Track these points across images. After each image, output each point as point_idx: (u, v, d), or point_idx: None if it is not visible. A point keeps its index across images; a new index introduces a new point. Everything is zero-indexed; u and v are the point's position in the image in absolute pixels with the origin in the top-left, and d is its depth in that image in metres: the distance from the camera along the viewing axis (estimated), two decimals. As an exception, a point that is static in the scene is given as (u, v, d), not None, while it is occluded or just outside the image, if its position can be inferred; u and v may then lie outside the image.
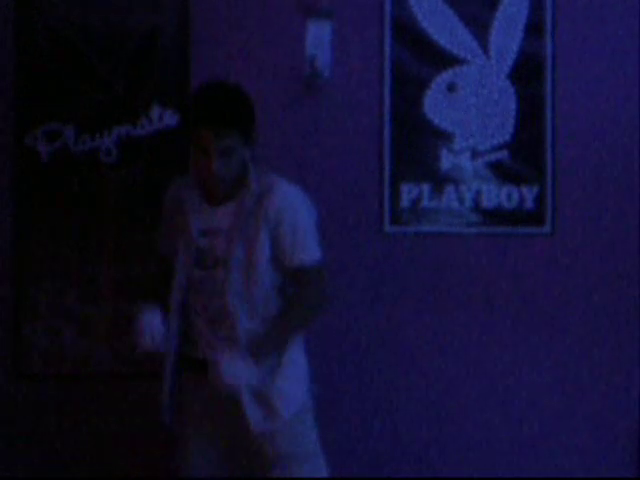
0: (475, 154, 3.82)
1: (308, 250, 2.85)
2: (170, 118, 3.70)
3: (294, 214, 2.83)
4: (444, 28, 3.78)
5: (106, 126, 3.69)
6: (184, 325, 2.89)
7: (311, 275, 2.85)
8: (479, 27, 3.79)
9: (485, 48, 3.80)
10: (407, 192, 3.79)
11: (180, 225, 2.90)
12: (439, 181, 3.81)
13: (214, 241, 2.83)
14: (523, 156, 3.83)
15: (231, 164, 2.77)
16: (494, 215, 3.83)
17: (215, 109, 2.75)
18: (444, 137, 3.81)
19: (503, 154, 3.83)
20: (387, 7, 3.77)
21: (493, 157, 3.83)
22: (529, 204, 3.83)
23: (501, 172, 3.82)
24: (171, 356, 2.90)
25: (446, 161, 3.81)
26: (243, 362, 2.70)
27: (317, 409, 2.96)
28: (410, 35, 3.77)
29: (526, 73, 3.82)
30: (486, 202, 3.82)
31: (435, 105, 3.80)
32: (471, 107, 3.81)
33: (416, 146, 3.80)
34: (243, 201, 2.81)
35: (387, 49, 3.77)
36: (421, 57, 3.78)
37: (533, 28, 3.81)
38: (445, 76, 3.80)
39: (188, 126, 2.88)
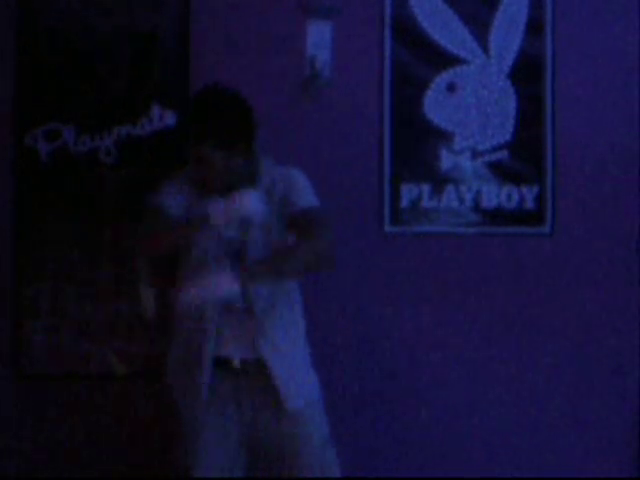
0: (475, 154, 3.82)
1: (313, 198, 2.95)
2: (170, 118, 3.70)
3: (298, 178, 2.97)
4: (444, 28, 3.78)
5: (106, 126, 3.69)
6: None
7: (319, 218, 2.91)
8: (479, 27, 3.79)
9: (485, 48, 3.80)
10: (407, 192, 3.80)
11: (194, 222, 2.89)
12: (439, 181, 3.81)
13: (239, 231, 2.89)
14: (523, 156, 3.82)
15: (210, 171, 2.85)
16: (494, 215, 3.83)
17: (191, 119, 2.86)
18: (444, 137, 3.81)
19: (503, 154, 3.82)
20: (387, 7, 3.77)
21: (493, 157, 3.83)
22: (529, 204, 3.83)
23: (501, 172, 3.82)
24: (208, 355, 2.92)
25: (446, 161, 3.81)
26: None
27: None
28: (410, 35, 3.77)
29: (526, 73, 3.82)
30: (486, 202, 3.82)
31: (435, 105, 3.80)
32: (471, 107, 3.81)
33: (416, 146, 3.79)
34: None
35: (387, 49, 3.77)
36: (421, 57, 3.78)
37: (533, 28, 3.81)
38: (445, 76, 3.80)
39: (183, 130, 2.93)
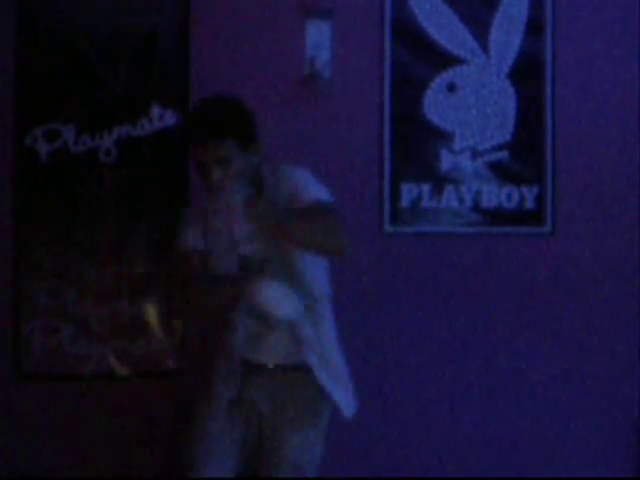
0: (475, 154, 3.82)
1: (323, 193, 2.86)
2: (170, 118, 3.70)
3: (303, 175, 2.88)
4: (444, 28, 3.79)
5: (106, 126, 3.69)
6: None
7: (329, 208, 2.81)
8: (479, 27, 3.79)
9: (485, 48, 3.80)
10: (407, 192, 3.80)
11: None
12: (439, 181, 3.81)
13: (256, 246, 2.81)
14: (523, 156, 3.83)
15: (230, 173, 2.76)
16: (494, 215, 3.83)
17: (201, 124, 2.78)
18: (444, 137, 3.81)
19: (503, 154, 3.83)
20: (387, 7, 3.77)
21: (493, 157, 3.83)
22: (529, 204, 3.83)
23: (501, 172, 3.82)
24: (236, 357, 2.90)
25: (446, 161, 3.81)
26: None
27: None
28: (410, 35, 3.78)
29: (526, 73, 3.82)
30: (486, 202, 3.83)
31: (435, 105, 3.80)
32: (471, 107, 3.81)
33: (416, 146, 3.80)
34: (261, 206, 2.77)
35: (387, 49, 3.77)
36: (421, 57, 3.78)
37: (533, 28, 3.81)
38: (445, 76, 3.80)
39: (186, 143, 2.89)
